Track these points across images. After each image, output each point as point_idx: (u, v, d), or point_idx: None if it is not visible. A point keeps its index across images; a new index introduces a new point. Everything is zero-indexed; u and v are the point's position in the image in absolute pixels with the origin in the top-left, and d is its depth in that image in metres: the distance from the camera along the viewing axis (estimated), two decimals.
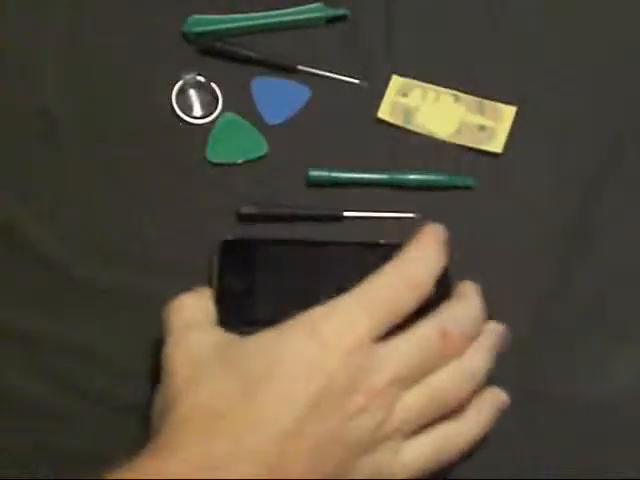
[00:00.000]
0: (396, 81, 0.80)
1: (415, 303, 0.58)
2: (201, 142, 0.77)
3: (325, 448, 0.53)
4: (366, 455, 0.54)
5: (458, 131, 0.78)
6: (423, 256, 0.60)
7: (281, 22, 0.83)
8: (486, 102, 0.80)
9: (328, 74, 0.81)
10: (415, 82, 0.80)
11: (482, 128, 0.78)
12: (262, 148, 0.77)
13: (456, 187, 0.76)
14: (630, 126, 0.79)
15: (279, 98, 0.80)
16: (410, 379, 0.56)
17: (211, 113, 0.79)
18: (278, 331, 0.56)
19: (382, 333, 0.56)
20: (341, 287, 0.70)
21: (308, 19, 0.83)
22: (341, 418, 0.53)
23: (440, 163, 0.77)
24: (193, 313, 0.62)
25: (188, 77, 0.79)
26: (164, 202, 0.75)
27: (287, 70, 0.81)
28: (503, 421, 0.65)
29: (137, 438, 0.64)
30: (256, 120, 0.79)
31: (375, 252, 0.72)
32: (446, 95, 0.80)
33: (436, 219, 0.74)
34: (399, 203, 0.75)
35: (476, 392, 0.60)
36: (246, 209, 0.74)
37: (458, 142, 0.78)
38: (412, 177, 0.76)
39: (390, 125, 0.79)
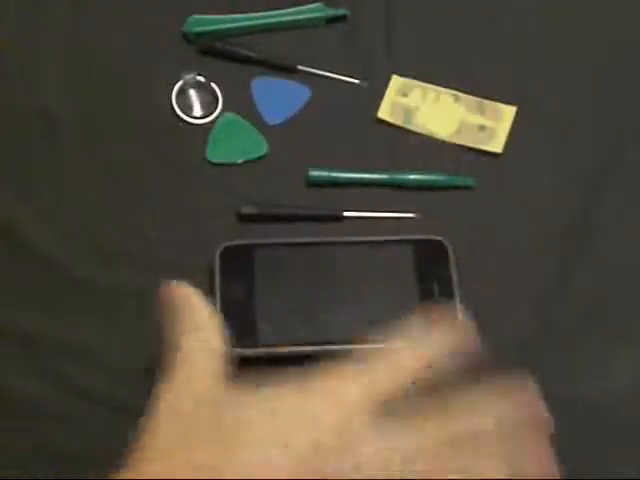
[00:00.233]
0: (396, 81, 0.80)
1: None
2: (201, 142, 0.77)
3: None
4: None
5: (458, 131, 0.78)
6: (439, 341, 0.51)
7: (281, 22, 0.83)
8: (486, 102, 0.80)
9: (328, 74, 0.81)
10: (415, 82, 0.80)
11: (482, 128, 0.78)
12: (262, 148, 0.77)
13: (456, 187, 0.76)
14: (630, 126, 0.79)
15: (279, 98, 0.80)
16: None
17: (211, 113, 0.79)
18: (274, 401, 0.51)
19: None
20: (341, 287, 0.71)
21: (308, 19, 0.83)
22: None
23: (440, 163, 0.77)
24: (198, 367, 0.56)
25: (188, 77, 0.79)
26: (164, 202, 0.75)
27: (287, 70, 0.81)
28: None
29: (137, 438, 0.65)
30: (256, 120, 0.79)
31: (375, 251, 0.72)
32: (446, 95, 0.80)
33: (436, 219, 0.74)
34: (399, 203, 0.75)
35: None
36: (246, 209, 0.74)
37: (458, 142, 0.78)
38: (412, 177, 0.76)
39: (390, 125, 0.79)
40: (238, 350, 0.67)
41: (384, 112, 0.79)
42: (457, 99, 0.80)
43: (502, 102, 0.79)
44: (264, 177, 0.76)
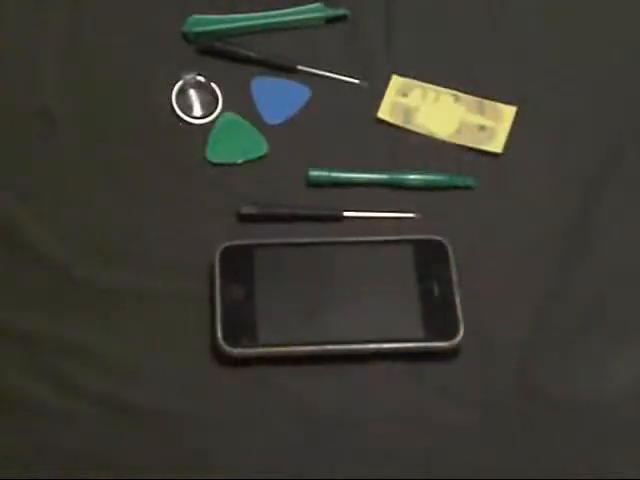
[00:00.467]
0: (396, 81, 0.80)
1: None
2: (201, 142, 0.77)
3: None
4: None
5: (458, 131, 0.78)
6: None
7: (281, 22, 0.83)
8: (486, 102, 0.80)
9: (328, 74, 0.81)
10: (415, 82, 0.80)
11: (482, 128, 0.78)
12: (262, 148, 0.77)
13: (456, 187, 0.76)
14: (630, 126, 0.79)
15: (279, 98, 0.80)
16: None
17: (211, 113, 0.79)
18: None
19: None
20: (341, 287, 0.71)
21: (308, 19, 0.83)
22: None
23: (440, 163, 0.77)
24: None
25: (188, 77, 0.79)
26: (164, 202, 0.75)
27: (287, 70, 0.81)
28: (503, 421, 0.66)
29: (137, 438, 0.65)
30: (256, 120, 0.79)
31: (375, 251, 0.72)
32: (446, 95, 0.80)
33: (436, 219, 0.74)
34: (399, 203, 0.75)
35: None
36: (246, 209, 0.74)
37: (458, 142, 0.78)
38: (412, 177, 0.76)
39: (390, 125, 0.79)
40: (238, 350, 0.67)
41: (384, 112, 0.79)
42: (457, 99, 0.80)
43: (502, 102, 0.79)
44: (264, 177, 0.76)
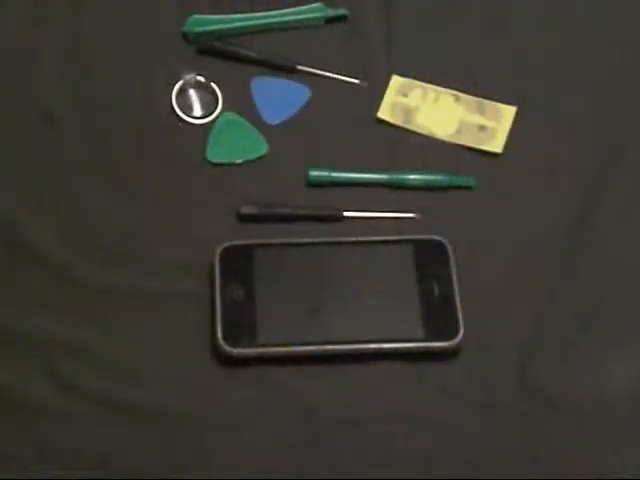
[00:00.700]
0: (396, 81, 0.80)
1: None
2: (201, 142, 0.77)
3: None
4: None
5: (458, 131, 0.78)
6: None
7: (281, 22, 0.83)
8: (486, 102, 0.80)
9: (328, 74, 0.81)
10: (415, 82, 0.80)
11: (482, 128, 0.78)
12: (262, 148, 0.77)
13: (456, 187, 0.76)
14: (630, 126, 0.79)
15: (279, 98, 0.80)
16: None
17: (211, 113, 0.79)
18: None
19: None
20: (341, 287, 0.71)
21: (308, 19, 0.83)
22: None
23: (440, 163, 0.77)
24: None
25: (188, 77, 0.79)
26: (164, 202, 0.75)
27: (287, 70, 0.81)
28: (503, 421, 0.66)
29: (137, 438, 0.65)
30: (256, 120, 0.79)
31: (375, 251, 0.72)
32: (446, 95, 0.80)
33: (436, 219, 0.74)
34: (399, 203, 0.75)
35: None
36: (246, 209, 0.74)
37: (458, 142, 0.78)
38: (412, 177, 0.76)
39: (390, 125, 0.79)
40: (238, 350, 0.67)
41: (384, 112, 0.79)
42: (457, 99, 0.80)
43: (502, 102, 0.79)
44: (264, 177, 0.76)
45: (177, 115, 0.78)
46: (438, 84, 0.80)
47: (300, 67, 0.81)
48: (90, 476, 0.63)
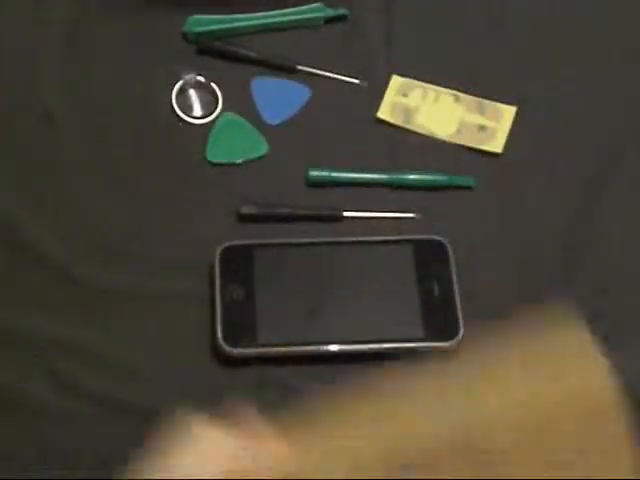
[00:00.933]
0: (396, 81, 0.80)
1: None
2: (201, 142, 0.77)
3: None
4: None
5: (458, 131, 0.78)
6: None
7: (281, 22, 0.83)
8: (486, 102, 0.79)
9: (328, 74, 0.81)
10: (415, 82, 0.80)
11: (482, 128, 0.78)
12: (262, 148, 0.77)
13: (456, 187, 0.76)
14: (630, 126, 0.79)
15: (279, 98, 0.80)
16: None
17: (211, 113, 0.79)
18: None
19: None
20: (341, 287, 0.71)
21: (308, 19, 0.83)
22: None
23: (440, 163, 0.77)
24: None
25: (188, 77, 0.79)
26: (164, 202, 0.75)
27: (287, 70, 0.81)
28: None
29: (137, 438, 0.65)
30: (256, 120, 0.79)
31: (375, 251, 0.72)
32: (446, 95, 0.80)
33: (436, 219, 0.74)
34: (399, 203, 0.75)
35: None
36: (246, 209, 0.74)
37: (458, 142, 0.78)
38: (412, 177, 0.76)
39: (390, 125, 0.79)
40: (238, 350, 0.67)
41: (384, 112, 0.79)
42: (457, 99, 0.80)
43: (502, 102, 0.79)
44: (264, 177, 0.76)
45: (177, 115, 0.78)
46: (438, 84, 0.80)
47: (300, 67, 0.81)
48: (90, 476, 0.63)
